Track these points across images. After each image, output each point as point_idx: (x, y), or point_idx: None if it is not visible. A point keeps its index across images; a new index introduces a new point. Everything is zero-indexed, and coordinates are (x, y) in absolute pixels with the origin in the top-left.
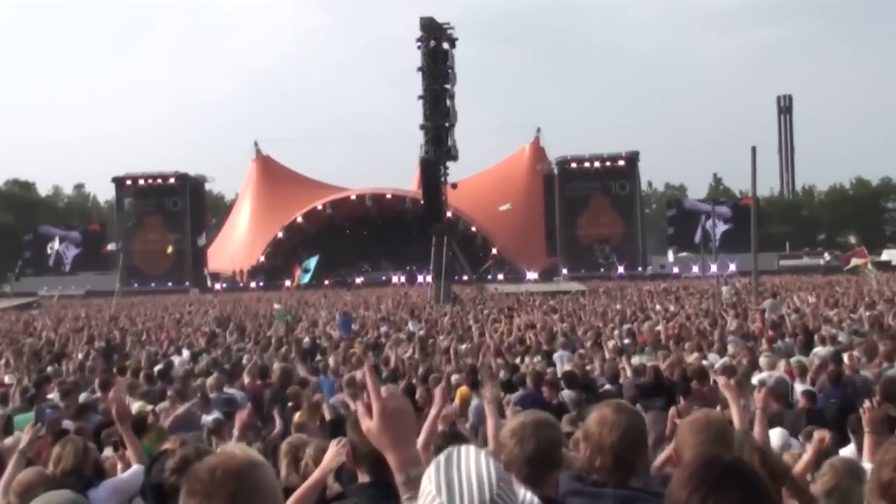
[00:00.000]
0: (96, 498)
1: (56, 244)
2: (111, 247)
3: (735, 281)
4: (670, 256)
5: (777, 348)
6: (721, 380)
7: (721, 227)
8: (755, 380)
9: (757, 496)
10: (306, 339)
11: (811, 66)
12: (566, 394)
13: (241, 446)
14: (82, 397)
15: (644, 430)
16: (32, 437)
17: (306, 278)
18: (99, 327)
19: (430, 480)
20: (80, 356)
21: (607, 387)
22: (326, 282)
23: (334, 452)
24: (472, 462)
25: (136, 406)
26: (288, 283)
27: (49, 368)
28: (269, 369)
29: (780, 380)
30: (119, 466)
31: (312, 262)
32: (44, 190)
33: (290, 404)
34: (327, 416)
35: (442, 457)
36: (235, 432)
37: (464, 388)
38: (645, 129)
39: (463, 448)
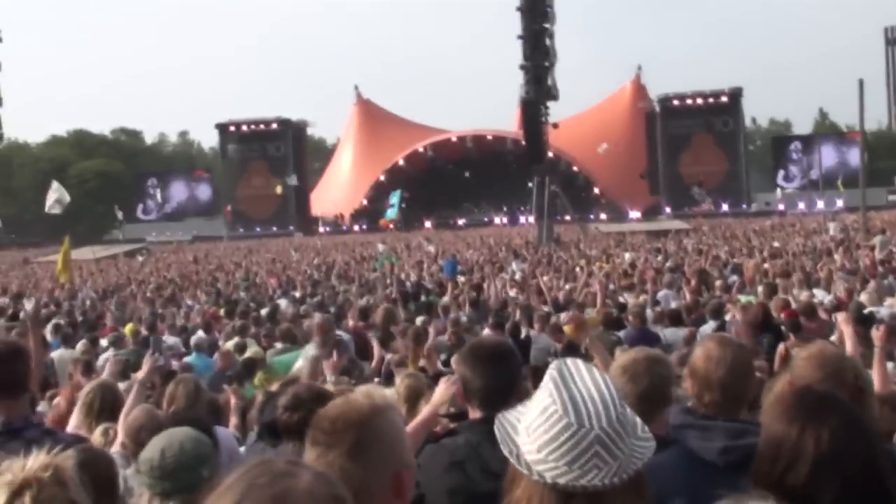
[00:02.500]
0: (223, 436)
1: (163, 190)
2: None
3: (843, 217)
4: (778, 193)
5: (886, 285)
6: (841, 316)
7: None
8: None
9: (853, 424)
10: (411, 280)
11: None
12: (671, 332)
13: (370, 389)
14: (193, 339)
15: (751, 361)
16: (151, 367)
17: (392, 213)
18: (206, 272)
19: (552, 398)
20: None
21: (711, 323)
22: (428, 223)
23: (445, 388)
24: (588, 379)
25: (250, 350)
26: (382, 222)
27: (161, 311)
28: (371, 310)
29: (893, 315)
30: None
31: (396, 197)
32: (150, 138)
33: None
34: (435, 363)
35: (554, 371)
36: (329, 376)
37: (569, 328)
38: (748, 63)
39: (570, 362)
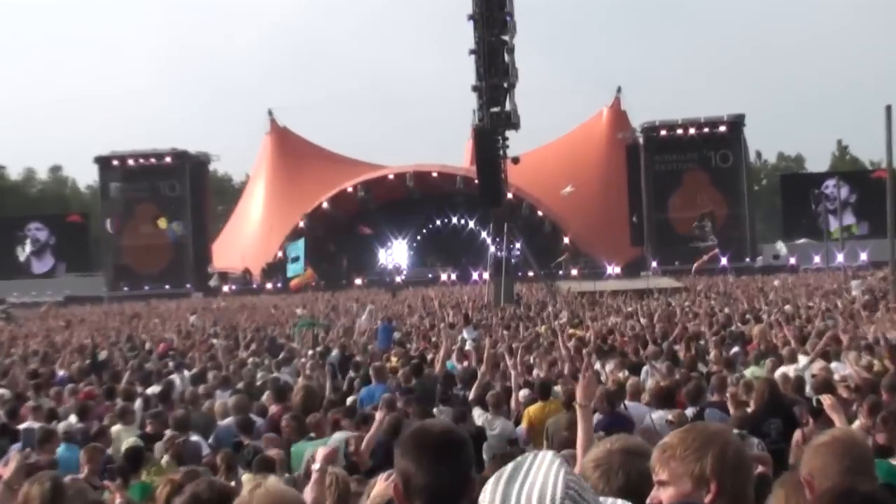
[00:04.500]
0: None
1: (28, 241)
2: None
3: (867, 273)
4: (780, 247)
5: None
6: (826, 399)
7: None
8: None
9: None
10: (335, 352)
11: None
12: (659, 415)
13: (272, 480)
14: (62, 426)
15: (748, 458)
16: (19, 464)
17: (296, 268)
18: (82, 340)
19: (484, 496)
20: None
21: (689, 410)
22: (359, 281)
23: (382, 487)
24: (541, 473)
25: (127, 441)
26: (291, 284)
27: (23, 391)
28: (289, 389)
29: None
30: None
31: (299, 247)
32: (13, 174)
33: (311, 435)
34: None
35: (509, 466)
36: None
37: (534, 408)
38: (752, 86)
39: (539, 455)
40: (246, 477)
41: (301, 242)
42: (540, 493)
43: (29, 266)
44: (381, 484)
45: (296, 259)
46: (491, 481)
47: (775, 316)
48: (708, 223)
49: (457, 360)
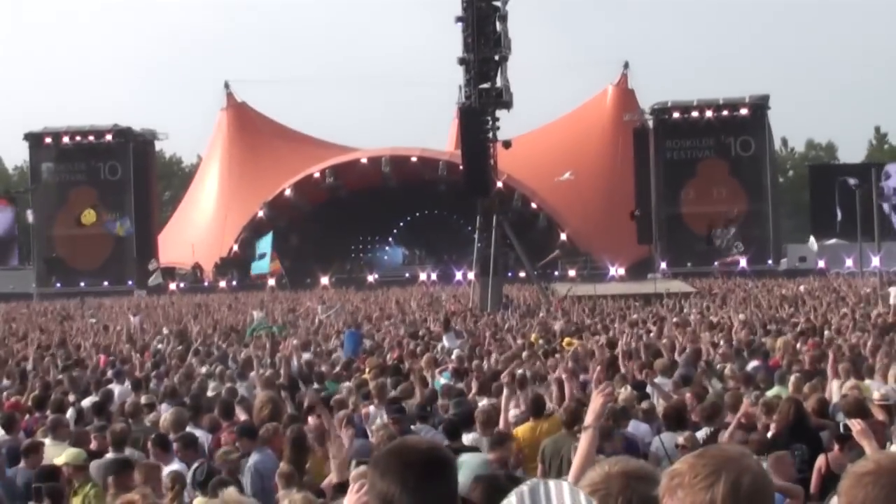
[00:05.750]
0: None
1: None
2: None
3: None
4: (812, 244)
5: None
6: (856, 424)
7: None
8: None
9: None
10: (296, 361)
11: None
12: (666, 437)
13: (231, 491)
14: None
15: (769, 488)
16: None
17: (263, 266)
18: (8, 343)
19: None
20: None
21: (704, 430)
22: (325, 280)
23: (354, 501)
24: (567, 499)
25: (65, 454)
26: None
27: None
28: (244, 403)
29: None
30: None
31: (266, 243)
32: None
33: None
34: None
35: (525, 487)
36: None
37: (523, 428)
38: (778, 64)
39: (552, 483)
40: (199, 501)
41: (268, 238)
42: None
43: None
44: (353, 497)
45: (262, 256)
46: (513, 499)
47: (800, 327)
48: (731, 231)
49: (439, 373)
